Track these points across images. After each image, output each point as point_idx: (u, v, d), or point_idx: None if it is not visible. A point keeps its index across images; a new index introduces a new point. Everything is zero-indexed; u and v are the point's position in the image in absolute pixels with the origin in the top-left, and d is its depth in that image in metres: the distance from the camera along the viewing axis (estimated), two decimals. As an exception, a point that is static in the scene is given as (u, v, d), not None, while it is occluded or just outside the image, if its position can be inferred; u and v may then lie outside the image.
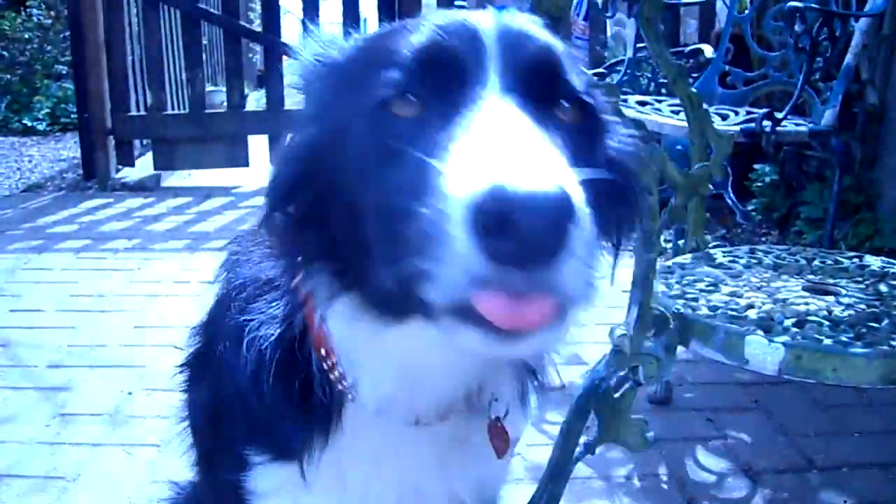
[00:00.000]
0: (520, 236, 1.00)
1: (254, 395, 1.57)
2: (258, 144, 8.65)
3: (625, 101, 4.82)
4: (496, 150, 1.08)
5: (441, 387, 1.53)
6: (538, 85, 1.29)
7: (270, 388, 1.55)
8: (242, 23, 9.09)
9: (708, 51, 5.39)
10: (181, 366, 1.97)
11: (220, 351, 1.68)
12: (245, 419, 1.63)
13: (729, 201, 4.02)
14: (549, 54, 1.35)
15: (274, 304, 1.58)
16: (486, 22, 1.33)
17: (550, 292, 1.06)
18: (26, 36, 12.89)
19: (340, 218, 1.36)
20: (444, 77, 1.27)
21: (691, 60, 5.31)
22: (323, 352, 1.52)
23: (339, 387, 1.53)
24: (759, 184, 6.43)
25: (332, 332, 1.48)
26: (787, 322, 2.53)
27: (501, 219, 0.99)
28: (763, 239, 6.34)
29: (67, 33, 11.22)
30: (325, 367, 1.53)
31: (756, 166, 6.42)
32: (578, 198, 1.03)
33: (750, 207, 6.29)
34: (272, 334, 1.54)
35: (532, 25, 1.38)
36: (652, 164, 2.33)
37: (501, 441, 1.61)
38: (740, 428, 3.70)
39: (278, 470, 1.61)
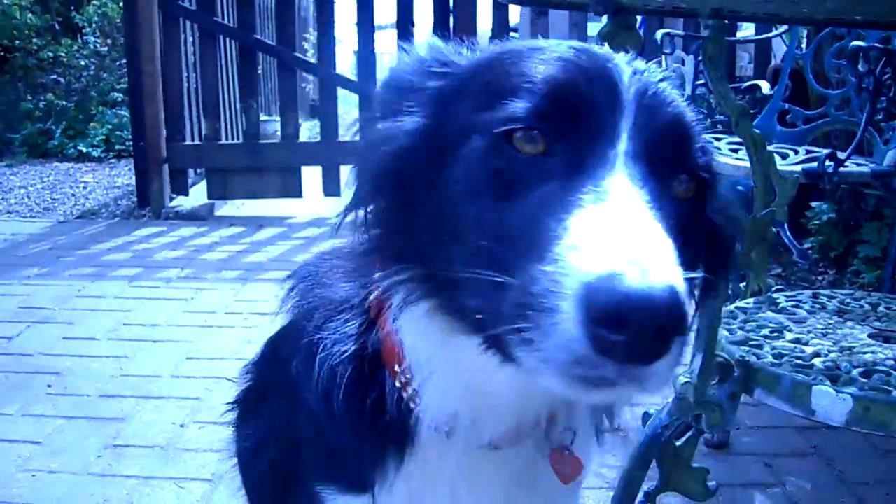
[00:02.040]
0: (631, 337, 1.01)
1: (325, 414, 1.55)
2: (311, 175, 8.67)
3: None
4: (620, 233, 1.07)
5: (511, 411, 1.50)
6: (665, 155, 1.26)
7: (343, 407, 1.52)
8: (297, 54, 9.12)
9: (765, 87, 5.33)
10: (232, 403, 1.94)
11: (285, 379, 1.66)
12: (313, 449, 1.62)
13: (786, 240, 3.97)
14: (682, 125, 1.31)
15: (348, 323, 1.55)
16: (624, 69, 1.30)
17: (640, 384, 1.08)
18: (82, 63, 13.03)
19: (433, 229, 1.34)
20: (576, 123, 1.24)
21: (747, 96, 5.25)
22: (396, 368, 1.50)
23: (413, 405, 1.50)
24: (817, 222, 6.34)
25: (405, 339, 1.46)
26: (854, 371, 2.48)
27: (618, 314, 0.99)
28: (820, 278, 6.25)
29: (123, 61, 11.37)
30: (399, 384, 1.50)
31: (813, 204, 6.34)
32: (687, 301, 1.04)
33: (807, 246, 6.21)
34: (345, 351, 1.52)
35: (667, 85, 1.34)
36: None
37: (567, 468, 1.58)
38: (799, 474, 3.63)
39: (351, 502, 1.60)
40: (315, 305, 1.62)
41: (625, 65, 1.31)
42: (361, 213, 1.45)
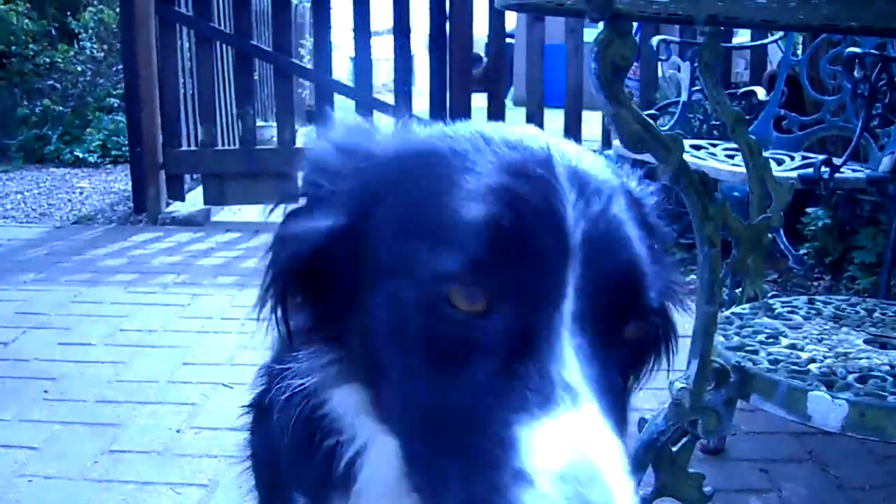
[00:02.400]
0: None
1: (291, 461, 1.57)
2: (308, 181, 8.67)
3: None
4: (572, 463, 1.01)
5: None
6: (614, 309, 1.17)
7: (295, 454, 1.55)
8: (294, 60, 9.13)
9: (761, 93, 5.34)
10: (246, 407, 1.95)
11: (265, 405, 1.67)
12: (292, 473, 1.62)
13: (781, 245, 3.98)
14: (633, 271, 1.20)
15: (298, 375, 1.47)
16: (569, 196, 1.17)
17: None
18: (79, 68, 13.03)
19: (360, 347, 1.30)
20: (518, 277, 1.13)
21: (743, 102, 5.27)
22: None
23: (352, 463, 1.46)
24: (812, 227, 6.35)
25: (337, 410, 1.43)
26: (850, 377, 2.49)
27: None
28: (815, 284, 6.26)
29: (119, 66, 11.38)
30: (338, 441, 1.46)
31: (809, 210, 6.35)
32: None
33: (802, 251, 6.22)
34: (304, 399, 1.46)
35: (618, 211, 1.21)
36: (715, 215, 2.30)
37: None
38: (795, 480, 3.63)
39: None
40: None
41: (569, 185, 1.18)
42: (273, 305, 1.39)
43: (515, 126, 1.36)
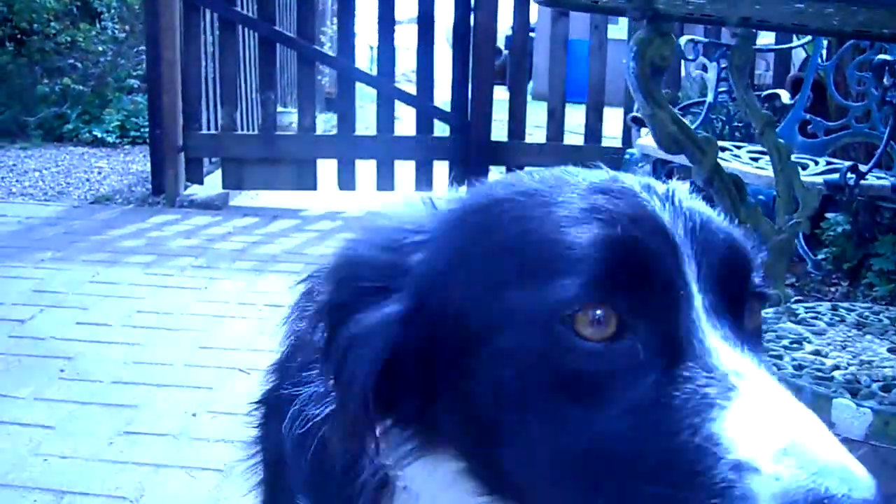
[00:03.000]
0: None
1: (297, 466, 1.47)
2: (326, 168, 8.68)
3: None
4: (785, 433, 0.94)
5: None
6: (735, 293, 1.13)
7: (311, 465, 1.40)
8: (316, 47, 9.12)
9: (784, 96, 5.33)
10: (256, 403, 1.94)
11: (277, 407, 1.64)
12: (298, 475, 1.52)
13: (800, 250, 3.97)
14: (740, 249, 1.17)
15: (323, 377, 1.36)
16: (659, 206, 1.13)
17: None
18: (100, 48, 13.02)
19: (469, 432, 1.17)
20: (644, 289, 1.06)
21: (767, 105, 5.25)
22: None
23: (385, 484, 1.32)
24: (831, 233, 6.33)
25: (408, 474, 1.27)
26: (874, 385, 2.48)
27: None
28: (833, 290, 6.24)
29: (140, 47, 11.38)
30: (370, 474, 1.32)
31: (828, 215, 6.33)
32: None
33: (820, 256, 6.20)
34: (317, 414, 1.34)
35: (706, 208, 1.19)
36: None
37: None
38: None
39: None
40: (301, 342, 1.51)
41: (650, 194, 1.15)
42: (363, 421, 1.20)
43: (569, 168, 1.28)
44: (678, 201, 1.16)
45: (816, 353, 2.75)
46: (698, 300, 1.07)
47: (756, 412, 0.97)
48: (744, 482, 0.91)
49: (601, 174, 1.22)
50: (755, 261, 1.19)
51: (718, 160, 2.22)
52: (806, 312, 3.18)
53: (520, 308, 1.08)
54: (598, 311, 1.04)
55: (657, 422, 1.01)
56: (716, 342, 1.05)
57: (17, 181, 9.40)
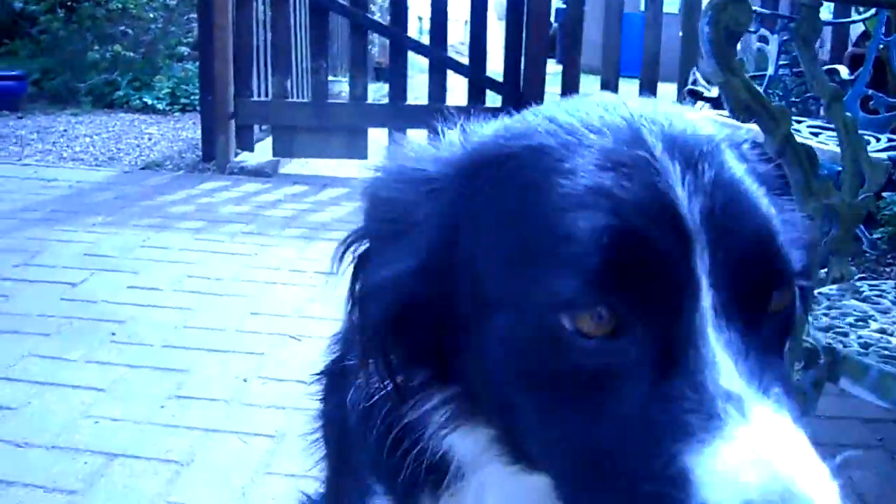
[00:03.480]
0: None
1: (363, 445, 1.44)
2: (376, 137, 8.66)
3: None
4: (759, 467, 0.89)
5: None
6: (755, 287, 1.04)
7: (378, 443, 1.37)
8: (368, 15, 9.09)
9: (843, 71, 5.26)
10: (318, 374, 1.91)
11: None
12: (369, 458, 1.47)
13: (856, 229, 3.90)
14: (769, 239, 1.06)
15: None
16: (677, 178, 1.03)
17: None
18: (151, 15, 13.05)
19: (480, 389, 1.17)
20: (646, 287, 1.00)
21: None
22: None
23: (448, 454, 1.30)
24: (887, 212, 6.25)
25: (454, 449, 1.28)
26: (944, 363, 2.43)
27: None
28: (888, 269, 6.16)
29: (191, 15, 11.41)
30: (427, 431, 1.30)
31: (885, 194, 6.25)
32: None
33: (876, 236, 6.12)
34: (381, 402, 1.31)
35: (736, 172, 1.08)
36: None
37: None
38: (864, 466, 3.57)
39: None
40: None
41: (671, 160, 1.05)
42: (378, 365, 1.24)
43: (587, 99, 1.21)
44: (704, 169, 1.05)
45: (882, 331, 2.70)
46: (706, 298, 0.99)
47: (737, 453, 0.91)
48: None
49: (625, 119, 1.11)
50: (785, 248, 1.07)
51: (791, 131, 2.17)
52: (870, 290, 3.12)
53: (524, 291, 1.05)
54: (595, 310, 1.00)
55: (638, 436, 0.97)
56: (717, 352, 0.98)
57: (68, 146, 9.43)
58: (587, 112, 1.13)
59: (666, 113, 1.14)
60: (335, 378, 1.80)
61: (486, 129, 1.24)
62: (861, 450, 3.69)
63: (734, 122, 2.24)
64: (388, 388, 1.24)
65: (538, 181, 1.07)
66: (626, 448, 0.98)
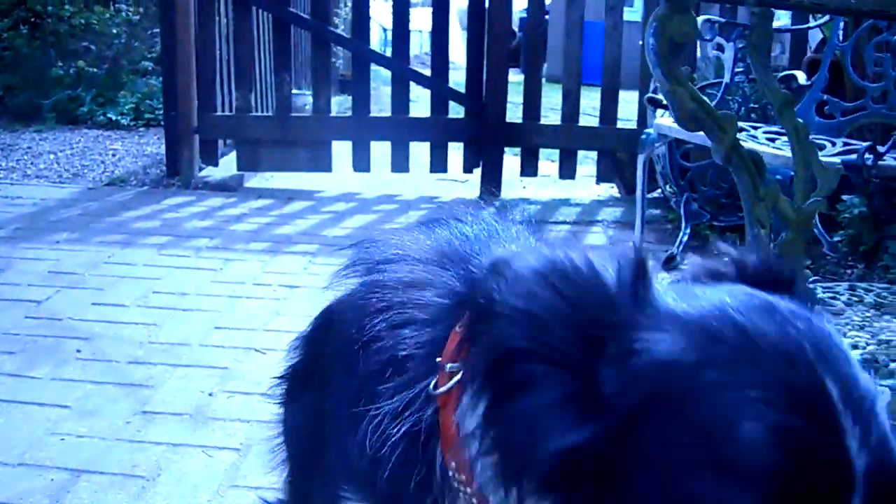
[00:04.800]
0: None
1: (364, 469, 1.39)
2: (341, 150, 8.68)
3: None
4: None
5: None
6: None
7: (384, 474, 1.33)
8: (330, 28, 9.11)
9: (801, 77, 5.31)
10: (279, 378, 1.93)
11: (324, 372, 1.63)
12: (351, 468, 1.45)
13: (816, 232, 3.95)
14: None
15: (402, 392, 1.32)
16: (849, 431, 0.99)
17: None
18: (114, 31, 13.00)
19: None
20: None
21: (783, 86, 5.23)
22: (453, 463, 1.27)
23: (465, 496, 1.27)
24: (847, 215, 6.30)
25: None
26: (893, 365, 2.47)
27: None
28: (849, 272, 6.22)
29: (154, 30, 11.38)
30: (451, 472, 1.28)
31: (844, 197, 6.31)
32: None
33: (836, 239, 6.17)
34: (398, 431, 1.31)
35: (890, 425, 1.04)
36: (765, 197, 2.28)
37: None
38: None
39: None
40: (371, 334, 1.43)
41: (845, 411, 1.01)
42: None
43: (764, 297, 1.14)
44: (871, 419, 1.02)
45: (835, 332, 2.74)
46: None
47: None
48: None
49: (801, 339, 1.06)
50: None
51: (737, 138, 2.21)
52: (824, 293, 3.18)
53: None
54: None
55: None
56: None
57: (32, 163, 9.39)
58: (773, 325, 1.07)
59: (835, 345, 1.09)
60: (295, 382, 1.83)
61: (695, 301, 1.13)
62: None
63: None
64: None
65: (729, 396, 1.01)
66: None
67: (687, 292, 1.14)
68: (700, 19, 5.37)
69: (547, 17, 16.11)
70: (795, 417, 0.99)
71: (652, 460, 1.02)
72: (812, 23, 6.43)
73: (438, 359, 1.30)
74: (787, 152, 3.90)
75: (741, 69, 5.64)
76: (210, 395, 3.95)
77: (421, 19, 12.27)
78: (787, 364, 1.02)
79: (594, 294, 1.10)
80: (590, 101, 9.20)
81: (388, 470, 1.32)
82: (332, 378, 1.60)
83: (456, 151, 8.67)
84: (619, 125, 8.74)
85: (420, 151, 8.69)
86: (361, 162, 8.69)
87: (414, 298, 1.42)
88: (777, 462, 0.96)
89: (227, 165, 8.90)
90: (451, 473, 1.28)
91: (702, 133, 2.32)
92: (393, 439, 1.30)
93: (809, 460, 0.97)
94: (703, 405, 1.01)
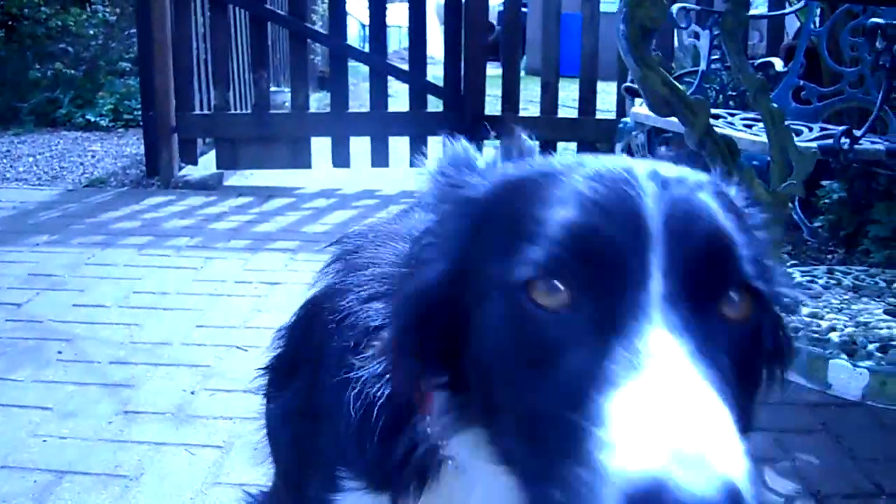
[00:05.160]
0: None
1: (354, 440, 1.48)
2: (320, 146, 8.68)
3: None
4: (662, 417, 0.95)
5: None
6: (707, 279, 1.13)
7: (373, 441, 1.45)
8: (308, 24, 9.10)
9: (778, 64, 5.30)
10: (264, 369, 1.93)
11: (313, 356, 1.64)
12: (342, 446, 1.53)
13: (796, 217, 3.96)
14: (719, 238, 1.15)
15: (379, 358, 1.43)
16: (649, 192, 1.15)
17: None
18: (91, 32, 13.00)
19: (473, 379, 1.26)
20: (600, 269, 1.11)
21: (760, 73, 5.23)
22: (428, 417, 1.39)
23: (441, 451, 1.40)
24: (827, 200, 6.33)
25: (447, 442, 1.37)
26: (871, 346, 2.48)
27: None
28: (829, 257, 6.24)
29: (132, 30, 11.35)
30: (430, 431, 1.40)
31: (824, 182, 6.32)
32: (749, 485, 0.95)
33: (816, 224, 6.19)
34: (380, 394, 1.42)
35: (701, 195, 1.19)
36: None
37: None
38: (808, 450, 3.62)
39: (371, 500, 1.51)
40: (350, 312, 1.55)
41: (650, 183, 1.17)
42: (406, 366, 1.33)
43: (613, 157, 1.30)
44: (674, 191, 1.17)
45: (813, 315, 2.76)
46: (656, 286, 1.09)
47: (644, 394, 0.99)
48: (602, 462, 0.95)
49: (623, 163, 1.23)
50: (741, 254, 1.16)
51: (710, 122, 2.21)
52: (802, 276, 3.19)
53: (496, 275, 1.18)
54: (550, 285, 1.11)
55: (574, 394, 1.06)
56: (657, 327, 1.06)
57: (10, 166, 9.39)
58: (593, 159, 1.26)
59: (674, 167, 1.25)
60: (281, 371, 1.84)
61: (523, 163, 1.37)
62: (804, 434, 3.75)
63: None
64: (402, 391, 1.37)
65: (540, 191, 1.21)
66: (563, 405, 1.06)
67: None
68: (675, 7, 5.37)
69: (524, 9, 16.15)
70: (597, 187, 1.17)
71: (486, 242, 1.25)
72: (788, 8, 6.43)
73: None
74: (764, 138, 3.91)
75: (717, 57, 5.63)
76: (192, 393, 3.94)
77: (398, 15, 12.24)
78: (600, 180, 1.19)
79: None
80: (569, 92, 9.22)
81: (376, 435, 1.43)
82: (316, 361, 1.64)
83: (436, 145, 8.66)
84: (599, 116, 8.76)
85: (400, 146, 8.68)
86: (341, 158, 8.69)
87: (378, 274, 1.57)
88: (565, 215, 1.14)
89: (207, 164, 8.91)
90: (428, 430, 1.39)
91: (675, 119, 2.33)
92: (379, 403, 1.42)
93: (601, 216, 1.13)
94: (519, 203, 1.22)
